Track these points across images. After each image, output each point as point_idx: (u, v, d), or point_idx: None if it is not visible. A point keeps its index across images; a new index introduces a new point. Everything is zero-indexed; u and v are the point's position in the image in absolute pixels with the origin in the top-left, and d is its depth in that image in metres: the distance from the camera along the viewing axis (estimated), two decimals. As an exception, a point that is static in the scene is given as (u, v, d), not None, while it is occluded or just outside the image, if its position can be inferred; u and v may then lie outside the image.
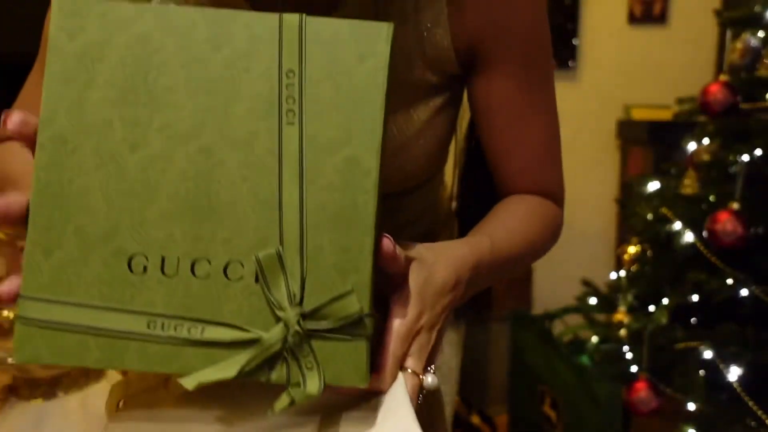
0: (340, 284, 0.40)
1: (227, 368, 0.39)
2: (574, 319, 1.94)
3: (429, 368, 0.46)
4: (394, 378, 0.44)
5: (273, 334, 0.39)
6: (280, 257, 0.40)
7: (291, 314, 0.39)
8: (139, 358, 0.40)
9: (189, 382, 0.39)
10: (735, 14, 1.57)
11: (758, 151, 1.42)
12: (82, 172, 0.40)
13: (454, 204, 0.82)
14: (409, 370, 0.44)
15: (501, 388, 2.13)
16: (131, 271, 0.40)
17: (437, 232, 0.74)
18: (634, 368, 1.52)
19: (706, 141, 1.56)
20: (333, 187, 0.40)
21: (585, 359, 1.73)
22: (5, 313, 0.57)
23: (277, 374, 0.40)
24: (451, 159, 0.74)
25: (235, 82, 0.40)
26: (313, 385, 0.39)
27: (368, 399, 0.44)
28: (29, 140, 0.41)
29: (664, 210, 1.59)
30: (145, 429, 0.45)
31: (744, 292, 1.38)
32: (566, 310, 1.94)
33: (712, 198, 1.49)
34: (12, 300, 0.40)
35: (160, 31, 0.40)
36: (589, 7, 2.42)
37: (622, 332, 1.59)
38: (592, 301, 1.77)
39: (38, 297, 0.40)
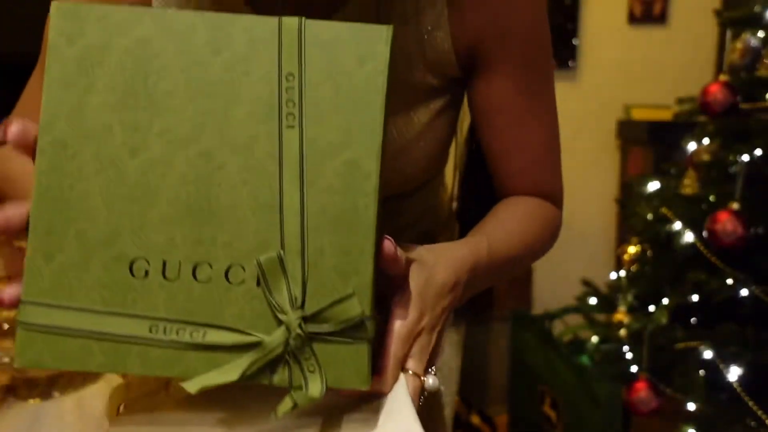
0: (341, 287, 0.40)
1: (229, 372, 0.39)
2: (574, 319, 1.94)
3: (430, 370, 0.46)
4: (396, 379, 0.44)
5: (275, 338, 0.39)
6: (281, 261, 0.40)
7: (293, 317, 0.39)
8: (142, 362, 0.40)
9: (191, 386, 0.39)
10: (735, 14, 1.57)
11: (758, 151, 1.42)
12: (83, 177, 0.40)
13: (454, 204, 0.82)
14: (410, 372, 0.44)
15: (501, 388, 2.14)
16: (133, 275, 0.40)
17: (437, 234, 0.74)
18: (634, 368, 1.52)
19: (706, 141, 1.56)
20: (333, 190, 0.40)
21: (585, 359, 1.73)
22: (4, 313, 0.57)
23: (279, 377, 0.40)
24: (451, 161, 0.74)
25: (235, 86, 0.40)
26: (315, 388, 0.39)
27: (369, 401, 0.44)
28: (29, 149, 0.41)
29: (664, 210, 1.59)
30: None
31: (744, 292, 1.38)
32: (566, 310, 1.94)
33: (712, 198, 1.49)
34: (14, 304, 0.40)
35: (159, 35, 0.40)
36: (589, 7, 2.42)
37: (622, 332, 1.59)
38: (592, 301, 1.77)
39: (39, 302, 0.40)
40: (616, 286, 1.71)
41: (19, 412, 0.53)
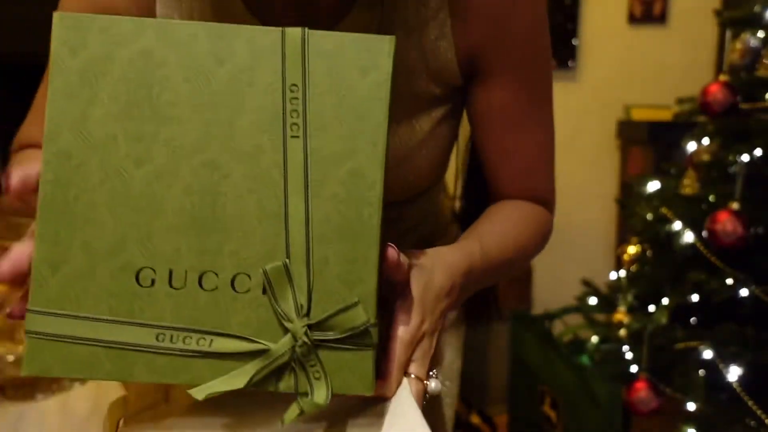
0: (346, 295, 0.40)
1: (236, 379, 0.40)
2: (574, 319, 1.95)
3: (431, 373, 0.47)
4: (399, 384, 0.44)
5: (281, 345, 0.40)
6: (287, 269, 0.40)
7: (298, 325, 0.40)
8: (149, 370, 0.40)
9: (199, 393, 0.39)
10: (735, 14, 1.57)
11: (758, 151, 1.42)
12: (88, 188, 0.40)
13: (457, 205, 0.82)
14: (413, 376, 0.45)
15: (501, 388, 2.14)
16: (139, 284, 0.40)
17: (437, 238, 0.75)
18: (634, 368, 1.52)
19: (706, 141, 1.56)
20: (338, 199, 0.41)
21: (585, 359, 1.73)
22: None
23: (285, 384, 0.41)
24: (452, 165, 0.74)
25: (239, 96, 0.40)
26: (320, 394, 0.40)
27: (373, 405, 0.44)
28: (33, 194, 0.41)
29: (664, 210, 1.59)
30: None
31: (744, 292, 1.39)
32: (566, 310, 1.94)
33: (712, 198, 1.49)
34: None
35: (162, 46, 0.40)
36: (589, 7, 2.42)
37: (622, 332, 1.59)
38: (592, 301, 1.77)
39: (46, 311, 0.40)
40: (616, 286, 1.71)
41: (3, 413, 0.53)
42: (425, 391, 0.46)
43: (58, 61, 0.40)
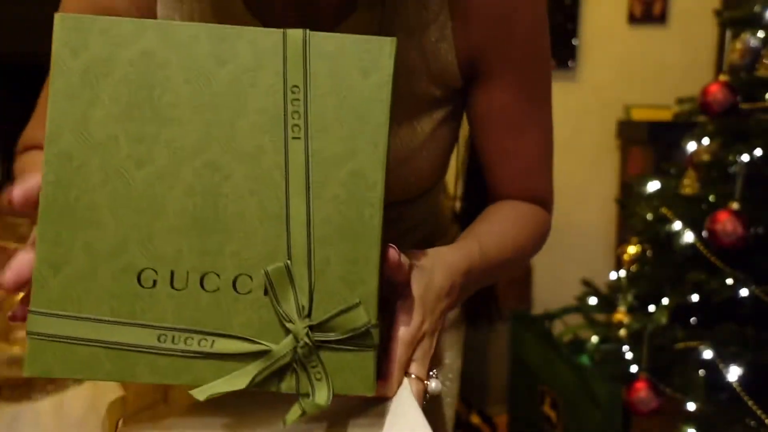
0: (347, 296, 0.41)
1: (238, 379, 0.40)
2: (574, 319, 1.95)
3: (431, 373, 0.47)
4: (400, 384, 0.45)
5: (282, 346, 0.40)
6: (288, 270, 0.40)
7: (300, 326, 0.40)
8: (151, 370, 0.40)
9: (200, 394, 0.39)
10: (735, 14, 1.57)
11: (758, 151, 1.42)
12: (89, 189, 0.40)
13: (457, 204, 0.82)
14: (413, 376, 0.45)
15: (501, 388, 2.14)
16: (141, 285, 0.40)
17: (437, 238, 0.75)
18: (634, 368, 1.52)
19: (706, 141, 1.56)
20: (339, 201, 0.41)
21: (585, 359, 1.73)
22: None
23: (287, 385, 0.41)
24: (452, 166, 0.74)
25: (241, 98, 0.40)
26: (322, 395, 0.40)
27: (374, 405, 0.44)
28: (35, 207, 0.41)
29: (664, 210, 1.59)
30: None
31: (744, 292, 1.39)
32: (566, 310, 1.95)
33: (712, 198, 1.49)
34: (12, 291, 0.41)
35: (163, 47, 0.40)
36: (589, 7, 2.42)
37: (622, 332, 1.59)
38: (592, 301, 1.77)
39: (48, 312, 0.40)
40: (616, 286, 1.71)
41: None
42: (426, 390, 0.46)
43: (59, 62, 0.40)
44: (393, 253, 0.43)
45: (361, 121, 0.41)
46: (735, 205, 1.39)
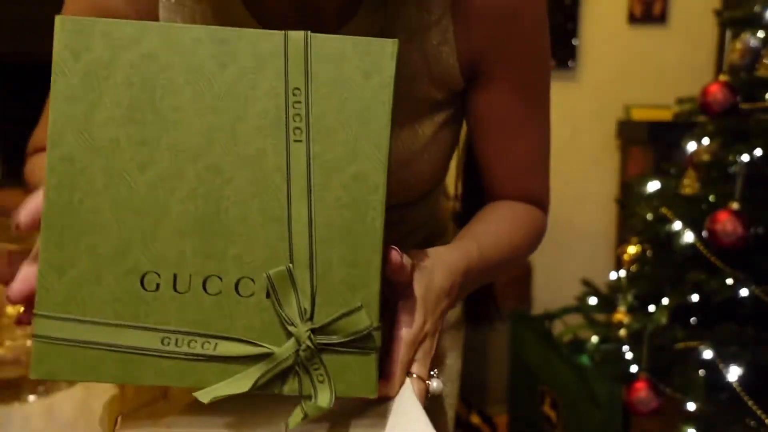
0: (349, 299, 0.41)
1: (241, 382, 0.40)
2: (574, 319, 1.95)
3: (432, 373, 0.47)
4: (402, 384, 0.45)
5: (285, 349, 0.40)
6: (290, 274, 0.40)
7: (302, 330, 0.40)
8: (155, 373, 0.41)
9: (204, 397, 0.40)
10: (735, 14, 1.57)
11: (758, 151, 1.42)
12: (92, 192, 0.40)
13: (457, 205, 0.82)
14: (415, 376, 0.45)
15: (501, 388, 2.14)
16: (144, 288, 0.40)
17: (437, 239, 0.75)
18: (634, 368, 1.52)
19: (706, 141, 1.56)
20: (341, 204, 0.41)
21: (585, 359, 1.73)
22: None
23: (290, 387, 0.41)
24: (452, 167, 0.75)
25: (242, 100, 0.40)
26: (324, 398, 0.40)
27: (376, 405, 0.45)
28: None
29: (664, 210, 1.59)
30: None
31: (744, 292, 1.39)
32: (566, 310, 1.95)
33: (711, 198, 1.49)
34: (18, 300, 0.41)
35: (165, 50, 0.40)
36: (589, 7, 2.42)
37: (622, 332, 1.59)
38: (592, 301, 1.77)
39: (53, 315, 0.40)
40: (616, 286, 1.72)
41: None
42: (427, 390, 0.46)
43: (60, 65, 0.40)
44: (395, 254, 0.43)
45: (363, 123, 0.41)
46: (735, 205, 1.39)
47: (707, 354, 1.38)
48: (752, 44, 1.50)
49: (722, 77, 1.51)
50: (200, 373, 0.41)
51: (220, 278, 0.41)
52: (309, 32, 0.41)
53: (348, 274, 0.41)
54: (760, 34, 1.49)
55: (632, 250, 1.71)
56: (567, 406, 1.71)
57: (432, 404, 0.47)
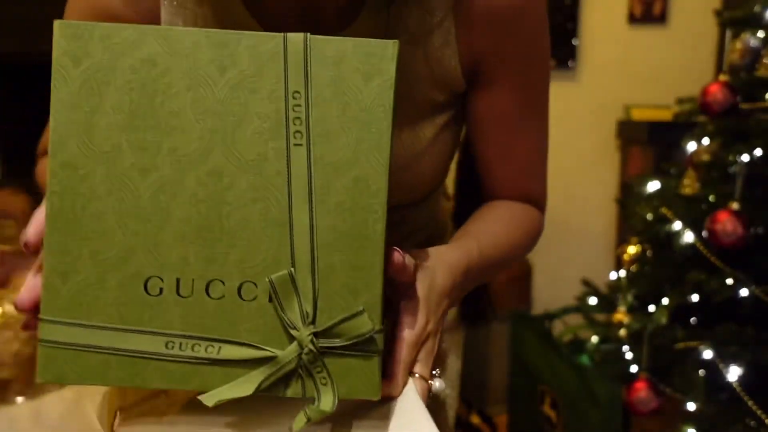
0: (351, 303, 0.41)
1: (245, 385, 0.40)
2: (574, 319, 1.95)
3: (434, 372, 0.47)
4: (405, 384, 0.45)
5: (287, 353, 0.40)
6: (292, 278, 0.40)
7: (304, 333, 0.40)
8: (160, 376, 0.41)
9: (208, 400, 0.40)
10: (735, 14, 1.57)
11: (758, 151, 1.42)
12: (95, 198, 0.40)
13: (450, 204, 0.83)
14: (417, 375, 0.45)
15: (501, 388, 2.14)
16: (148, 293, 0.41)
17: (437, 239, 0.75)
18: (634, 368, 1.52)
19: (706, 141, 1.56)
20: (342, 208, 0.41)
21: (585, 359, 1.73)
22: None
23: (293, 390, 0.41)
24: (452, 168, 0.75)
25: (242, 104, 0.40)
26: (327, 400, 0.41)
27: (379, 406, 0.45)
28: None
29: (664, 210, 1.59)
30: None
31: (744, 292, 1.39)
32: (566, 310, 1.94)
33: (711, 198, 1.49)
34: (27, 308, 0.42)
35: (164, 54, 0.40)
36: (589, 7, 2.42)
37: (622, 332, 1.59)
38: (592, 301, 1.77)
39: (58, 320, 0.41)
40: (616, 286, 1.71)
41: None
42: (429, 390, 0.46)
43: (60, 71, 0.40)
44: (397, 255, 0.43)
45: (364, 126, 0.41)
46: (735, 205, 1.39)
47: (707, 354, 1.38)
48: (752, 44, 1.50)
49: (722, 77, 1.51)
50: (204, 377, 0.41)
51: (223, 282, 0.41)
52: (308, 34, 0.40)
53: (350, 278, 0.41)
54: (760, 34, 1.49)
55: (632, 250, 1.71)
56: (567, 406, 1.71)
57: (433, 404, 0.47)
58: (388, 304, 0.45)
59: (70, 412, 0.50)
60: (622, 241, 2.13)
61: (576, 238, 2.43)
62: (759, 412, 1.29)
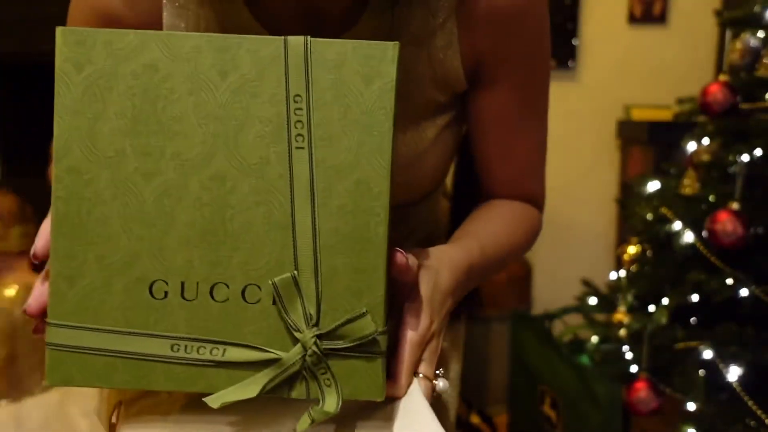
0: (354, 305, 0.41)
1: (249, 387, 0.41)
2: (574, 319, 1.95)
3: (438, 372, 0.47)
4: (409, 384, 0.45)
5: (291, 355, 0.41)
6: (295, 281, 0.41)
7: (308, 335, 0.41)
8: (165, 378, 0.41)
9: (213, 402, 0.41)
10: (735, 14, 1.57)
11: (758, 151, 1.42)
12: (100, 202, 0.41)
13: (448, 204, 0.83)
14: (421, 375, 0.45)
15: (501, 388, 2.14)
16: (153, 296, 0.41)
17: (437, 236, 0.75)
18: (634, 368, 1.52)
19: (706, 141, 1.56)
20: (345, 210, 0.41)
21: (585, 359, 1.74)
22: None
23: (297, 392, 0.42)
24: (452, 167, 0.75)
25: (244, 108, 0.41)
26: (331, 402, 0.41)
27: (383, 406, 0.45)
28: None
29: (664, 210, 1.59)
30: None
31: (744, 292, 1.39)
32: (566, 310, 1.95)
33: (712, 198, 1.49)
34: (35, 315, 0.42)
35: (166, 60, 0.41)
36: (589, 7, 2.42)
37: (622, 332, 1.59)
38: (592, 301, 1.77)
39: (65, 324, 0.41)
40: (616, 286, 1.71)
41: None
42: (434, 389, 0.47)
43: (63, 77, 0.40)
44: (400, 256, 0.43)
45: (365, 129, 0.41)
46: (735, 205, 1.39)
47: (707, 354, 1.38)
48: (752, 44, 1.50)
49: (722, 77, 1.51)
50: (209, 379, 0.41)
51: (227, 285, 0.41)
52: (308, 37, 0.41)
53: (353, 280, 0.41)
54: (760, 34, 1.49)
55: (632, 250, 1.71)
56: (567, 406, 1.71)
57: (435, 404, 0.47)
58: (392, 304, 0.45)
59: (54, 415, 0.50)
60: (622, 241, 2.13)
61: (576, 238, 2.43)
62: (759, 412, 1.29)
